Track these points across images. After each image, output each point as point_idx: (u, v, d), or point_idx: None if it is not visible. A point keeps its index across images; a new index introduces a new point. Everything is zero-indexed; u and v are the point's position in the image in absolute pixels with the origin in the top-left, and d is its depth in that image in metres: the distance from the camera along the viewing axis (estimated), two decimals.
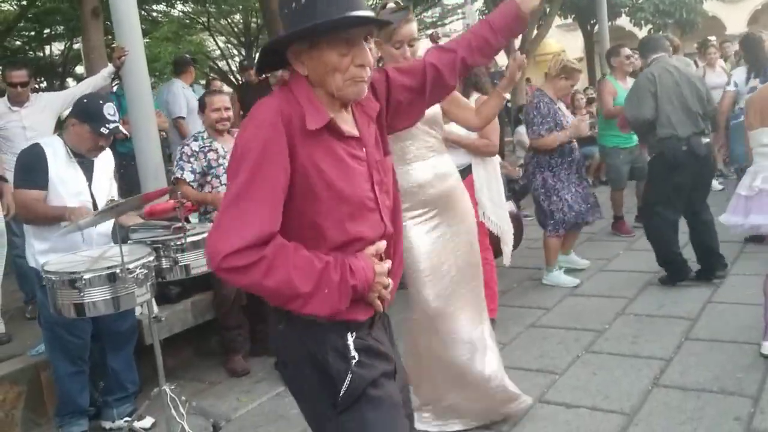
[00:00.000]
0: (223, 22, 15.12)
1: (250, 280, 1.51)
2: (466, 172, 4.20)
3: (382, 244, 1.71)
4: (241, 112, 8.33)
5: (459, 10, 17.76)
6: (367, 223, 1.69)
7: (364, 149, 1.71)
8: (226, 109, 4.18)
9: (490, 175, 4.24)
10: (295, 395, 1.77)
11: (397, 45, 2.89)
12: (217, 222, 1.55)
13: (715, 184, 7.94)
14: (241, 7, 14.14)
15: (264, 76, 9.18)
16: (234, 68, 16.24)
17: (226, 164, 4.02)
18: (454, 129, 4.21)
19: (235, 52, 16.70)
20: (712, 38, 9.36)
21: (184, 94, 6.92)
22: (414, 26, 2.92)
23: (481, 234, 4.28)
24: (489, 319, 4.33)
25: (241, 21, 15.30)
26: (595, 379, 3.56)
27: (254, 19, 14.42)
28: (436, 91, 1.97)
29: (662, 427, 3.00)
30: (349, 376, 1.63)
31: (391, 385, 1.73)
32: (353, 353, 1.65)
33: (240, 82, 11.86)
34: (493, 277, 4.37)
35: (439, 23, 17.47)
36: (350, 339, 1.66)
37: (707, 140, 4.69)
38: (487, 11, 15.67)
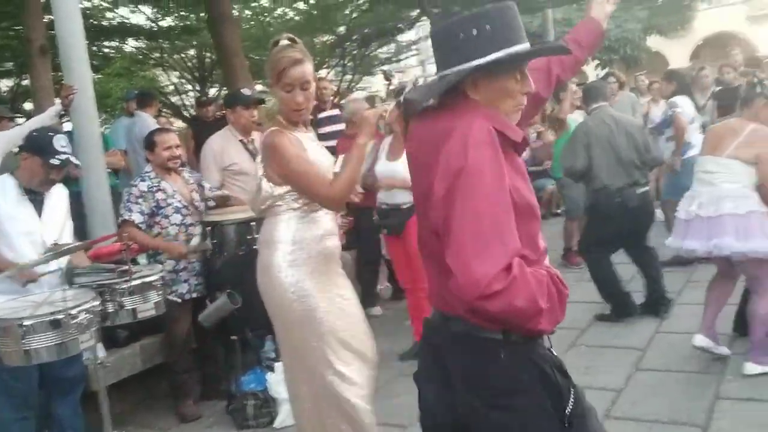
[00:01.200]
0: (176, 57, 15.05)
1: (504, 303, 1.47)
2: (414, 208, 4.24)
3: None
4: (195, 149, 8.28)
5: (413, 46, 18.03)
6: (537, 227, 1.72)
7: None
8: (177, 146, 4.14)
9: None
10: (516, 421, 1.64)
11: (288, 88, 2.64)
12: (463, 249, 1.50)
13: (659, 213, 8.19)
14: (195, 42, 14.11)
15: (221, 113, 9.18)
16: (187, 103, 16.14)
17: (175, 203, 4.00)
18: (400, 167, 4.27)
19: (189, 87, 16.62)
20: (642, 75, 9.74)
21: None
22: (307, 68, 2.65)
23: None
24: None
25: (195, 56, 15.25)
26: None
27: (208, 54, 14.39)
28: (532, 106, 1.93)
29: None
30: (572, 389, 1.66)
31: None
32: (564, 366, 1.68)
33: (193, 118, 11.79)
34: None
35: (393, 59, 17.69)
36: (554, 353, 1.68)
37: (643, 190, 4.80)
38: None
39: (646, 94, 8.97)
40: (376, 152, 4.54)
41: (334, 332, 2.71)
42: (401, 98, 1.93)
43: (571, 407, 1.63)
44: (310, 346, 2.68)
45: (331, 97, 7.52)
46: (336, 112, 7.13)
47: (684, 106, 6.34)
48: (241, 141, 4.58)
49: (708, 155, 3.86)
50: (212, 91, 14.83)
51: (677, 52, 29.06)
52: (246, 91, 4.65)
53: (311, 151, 2.78)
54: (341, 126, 7.05)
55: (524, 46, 1.67)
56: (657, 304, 4.89)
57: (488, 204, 1.52)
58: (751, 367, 3.70)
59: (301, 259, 2.72)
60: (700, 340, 3.94)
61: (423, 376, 1.85)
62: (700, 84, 8.14)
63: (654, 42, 22.00)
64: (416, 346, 4.65)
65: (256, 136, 4.65)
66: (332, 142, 6.82)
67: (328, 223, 2.84)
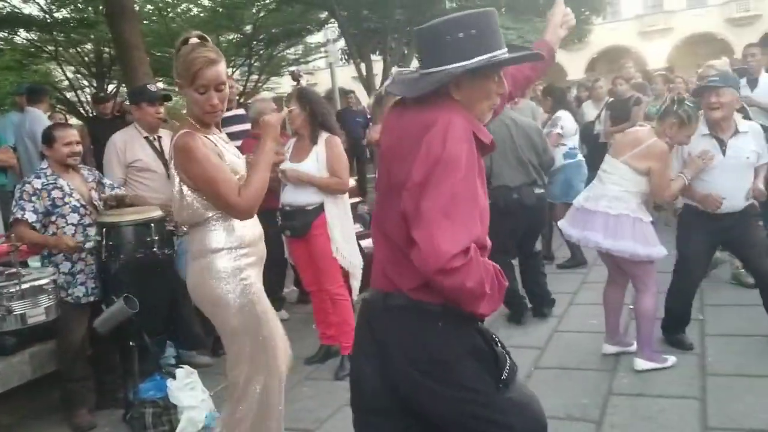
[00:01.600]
0: (72, 51, 14.38)
1: (459, 281, 1.61)
2: (319, 209, 4.25)
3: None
4: (92, 147, 7.94)
5: (322, 49, 18.01)
6: (486, 225, 1.85)
7: None
8: (78, 143, 3.95)
9: (341, 211, 4.32)
10: (450, 388, 1.78)
11: (202, 90, 2.55)
12: (432, 224, 1.63)
13: None
14: (92, 36, 13.54)
15: (118, 111, 8.83)
16: (84, 100, 15.46)
17: (73, 202, 3.82)
18: (306, 168, 4.25)
19: (86, 83, 15.92)
20: (540, 85, 10.17)
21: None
22: (221, 68, 2.58)
23: (335, 270, 4.33)
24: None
25: (92, 51, 14.63)
26: None
27: (106, 50, 13.83)
28: None
29: None
30: (508, 358, 1.83)
31: None
32: (498, 339, 1.87)
33: (91, 115, 11.32)
34: (351, 314, 4.40)
35: (302, 60, 17.62)
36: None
37: (540, 191, 5.00)
38: (349, 50, 16.02)
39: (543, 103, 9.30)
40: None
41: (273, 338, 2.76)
42: (383, 90, 2.03)
43: (506, 373, 1.80)
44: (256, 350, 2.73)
45: (237, 97, 7.39)
46: (241, 111, 7.02)
47: (565, 121, 6.69)
48: (146, 138, 4.45)
49: (611, 156, 3.99)
50: (110, 88, 14.27)
51: (574, 64, 30.44)
52: (152, 87, 4.51)
53: (227, 153, 2.72)
54: (246, 126, 6.96)
55: (504, 51, 1.81)
56: (542, 306, 5.11)
57: (459, 190, 1.66)
58: (641, 363, 3.89)
59: (243, 263, 2.68)
60: (609, 348, 4.18)
61: (360, 356, 1.95)
62: (595, 94, 8.56)
63: None
64: (322, 349, 4.63)
65: (164, 133, 4.53)
66: (237, 143, 6.73)
67: (256, 226, 2.80)
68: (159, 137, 4.50)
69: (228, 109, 6.84)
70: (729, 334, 4.32)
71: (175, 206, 2.70)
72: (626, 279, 4.11)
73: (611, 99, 8.06)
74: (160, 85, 9.76)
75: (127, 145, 4.40)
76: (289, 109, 4.22)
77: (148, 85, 4.57)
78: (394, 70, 2.30)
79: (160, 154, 4.45)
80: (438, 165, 1.67)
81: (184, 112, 2.78)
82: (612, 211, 3.82)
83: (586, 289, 5.70)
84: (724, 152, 3.99)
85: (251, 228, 2.77)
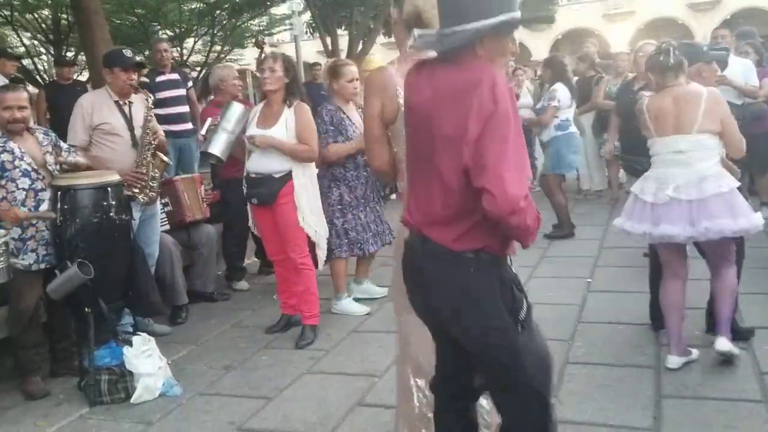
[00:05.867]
0: (29, 17, 13.90)
1: (522, 219, 1.84)
2: (286, 177, 4.20)
3: None
4: (48, 115, 7.72)
5: (287, 21, 17.71)
6: None
7: None
8: (20, 108, 3.79)
9: (308, 180, 4.29)
10: (479, 321, 2.00)
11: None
12: (501, 173, 1.81)
13: None
14: (50, 1, 13.09)
15: (75, 77, 8.57)
16: (42, 67, 14.98)
17: (24, 166, 3.71)
18: (275, 133, 4.20)
19: (43, 50, 15.42)
20: (510, 62, 10.21)
21: None
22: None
23: (301, 240, 4.30)
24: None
25: (50, 17, 14.16)
26: None
27: (64, 16, 13.39)
28: None
29: None
30: (526, 302, 2.03)
31: None
32: (520, 284, 2.07)
33: (50, 81, 10.98)
34: (315, 283, 4.39)
35: (266, 32, 17.30)
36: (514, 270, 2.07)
37: None
38: (314, 23, 15.82)
39: (512, 80, 9.33)
40: (247, 120, 4.43)
41: None
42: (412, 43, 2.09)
43: (523, 315, 2.02)
44: None
45: (172, 61, 7.22)
46: (175, 76, 6.89)
47: (562, 93, 6.81)
48: (116, 102, 4.36)
49: (674, 134, 3.47)
50: (69, 56, 13.85)
51: (539, 45, 30.56)
52: (127, 53, 4.39)
53: None
54: (180, 91, 6.84)
55: (518, 12, 1.97)
56: None
57: (515, 142, 1.87)
58: (725, 343, 3.49)
59: None
60: (676, 361, 3.56)
61: (409, 283, 2.20)
62: None
63: (518, 33, 22.90)
64: (283, 318, 4.62)
65: (135, 99, 4.43)
66: (172, 109, 6.62)
67: None
68: (130, 102, 4.41)
69: (161, 74, 6.75)
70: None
71: None
72: (686, 270, 3.66)
73: (575, 78, 8.13)
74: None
75: (95, 107, 4.31)
76: (270, 67, 4.17)
77: (123, 51, 4.45)
78: (416, 32, 2.35)
79: (128, 119, 4.36)
80: (492, 119, 1.84)
81: None
82: (724, 188, 3.37)
83: (546, 263, 5.77)
84: None
85: None
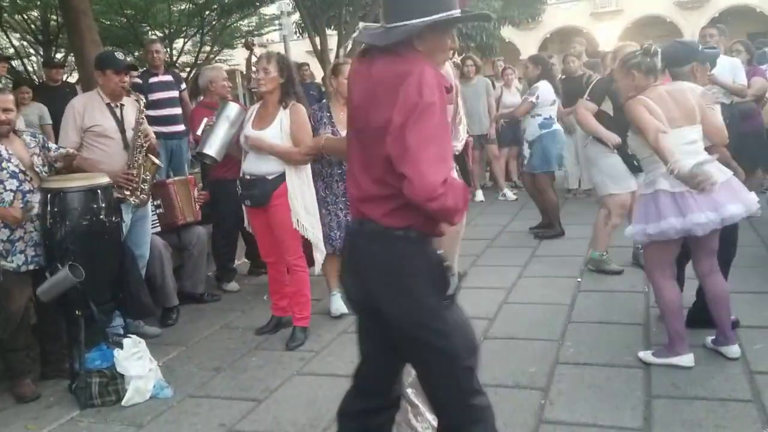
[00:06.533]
0: (18, 17, 13.82)
1: (441, 203, 1.93)
2: (280, 179, 4.19)
3: None
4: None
5: (276, 21, 17.69)
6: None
7: None
8: (5, 110, 3.78)
9: (303, 182, 4.28)
10: (405, 298, 2.08)
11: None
12: (419, 161, 1.92)
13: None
14: (39, 2, 13.02)
15: (64, 79, 8.51)
16: (31, 68, 14.89)
17: (11, 168, 3.69)
18: (269, 135, 4.18)
19: (32, 51, 15.33)
20: (500, 61, 10.27)
21: None
22: None
23: (295, 241, 4.30)
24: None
25: (39, 18, 14.08)
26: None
27: (54, 17, 13.33)
28: None
29: None
30: (452, 279, 2.10)
31: None
32: (449, 264, 2.14)
33: (39, 83, 10.91)
34: (307, 285, 4.38)
35: (256, 33, 17.27)
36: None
37: None
38: (303, 24, 15.79)
39: (500, 79, 9.37)
40: (243, 120, 4.40)
41: None
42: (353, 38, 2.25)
43: (451, 291, 2.10)
44: None
45: (163, 62, 7.18)
46: (168, 77, 6.86)
47: (543, 91, 6.83)
48: (108, 105, 4.36)
49: (686, 126, 3.50)
50: (58, 57, 13.78)
51: (527, 43, 30.65)
52: (119, 55, 4.37)
53: None
54: (173, 93, 6.81)
55: (458, 11, 2.09)
56: None
57: (438, 130, 1.97)
58: (735, 350, 3.58)
59: None
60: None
61: (346, 271, 2.30)
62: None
63: (507, 32, 23.02)
64: (273, 320, 4.61)
65: (127, 101, 4.42)
66: (165, 111, 6.59)
67: None
68: (122, 105, 4.40)
69: (154, 75, 6.71)
70: None
71: None
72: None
73: (563, 77, 8.15)
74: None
75: (87, 108, 4.30)
76: (264, 68, 4.15)
77: (115, 53, 4.44)
78: (361, 24, 2.56)
79: (120, 122, 4.35)
80: (416, 109, 1.94)
81: None
82: (725, 175, 3.46)
83: (536, 262, 5.79)
84: None
85: None
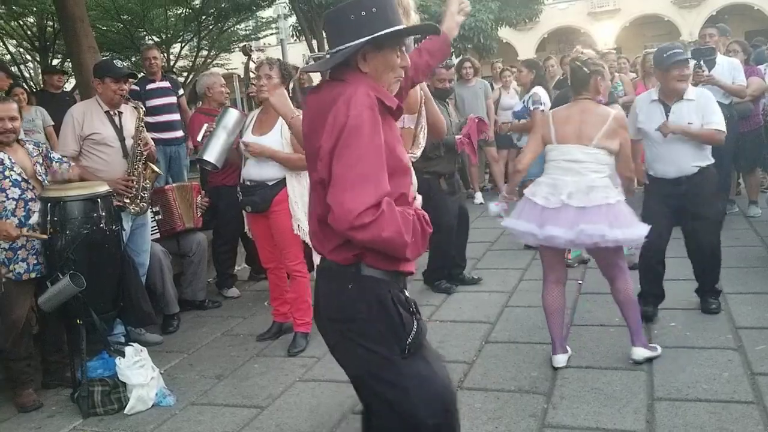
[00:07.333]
0: (14, 24, 13.83)
1: (373, 234, 1.75)
2: (280, 185, 4.20)
3: (419, 198, 2.12)
4: None
5: (273, 25, 17.71)
6: (408, 182, 2.01)
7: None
8: (11, 119, 3.78)
9: (303, 188, 4.27)
10: (358, 345, 1.92)
11: None
12: (340, 187, 1.78)
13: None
14: (35, 9, 13.02)
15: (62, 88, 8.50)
16: (28, 75, 14.90)
17: (14, 176, 3.69)
18: (269, 141, 4.19)
19: (29, 57, 15.35)
20: (498, 63, 10.26)
21: None
22: None
23: (296, 247, 4.30)
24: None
25: (35, 24, 14.09)
26: None
27: (50, 23, 13.34)
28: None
29: (466, 428, 3.12)
30: (415, 325, 1.92)
31: None
32: (413, 306, 1.96)
33: (39, 90, 10.92)
34: (308, 291, 4.38)
35: (252, 36, 17.30)
36: (407, 293, 1.98)
37: None
38: (300, 27, 15.79)
39: (498, 81, 9.36)
40: (243, 126, 4.40)
41: None
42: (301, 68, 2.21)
43: (411, 338, 1.90)
44: None
45: (161, 68, 7.17)
46: (166, 84, 6.85)
47: (545, 97, 6.78)
48: (107, 113, 4.37)
49: (576, 144, 3.61)
50: (55, 63, 13.79)
51: (525, 44, 30.70)
52: (118, 64, 4.40)
53: None
54: (171, 99, 6.80)
55: (403, 26, 2.00)
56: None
57: (364, 152, 1.80)
58: (642, 352, 3.69)
59: None
60: (561, 360, 3.75)
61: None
62: (547, 73, 8.64)
63: (504, 33, 23.05)
64: (274, 326, 4.61)
65: (126, 109, 4.43)
66: (163, 117, 6.59)
67: None
68: (120, 113, 4.42)
69: (151, 81, 6.71)
70: (672, 307, 4.43)
71: None
72: (565, 276, 3.89)
73: (563, 77, 8.15)
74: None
75: (86, 117, 4.32)
76: (267, 74, 4.15)
77: (114, 61, 4.45)
78: (307, 54, 2.50)
79: (119, 130, 4.35)
80: (343, 132, 1.82)
81: None
82: (611, 199, 3.51)
83: (537, 265, 5.76)
84: (667, 116, 4.11)
85: None
